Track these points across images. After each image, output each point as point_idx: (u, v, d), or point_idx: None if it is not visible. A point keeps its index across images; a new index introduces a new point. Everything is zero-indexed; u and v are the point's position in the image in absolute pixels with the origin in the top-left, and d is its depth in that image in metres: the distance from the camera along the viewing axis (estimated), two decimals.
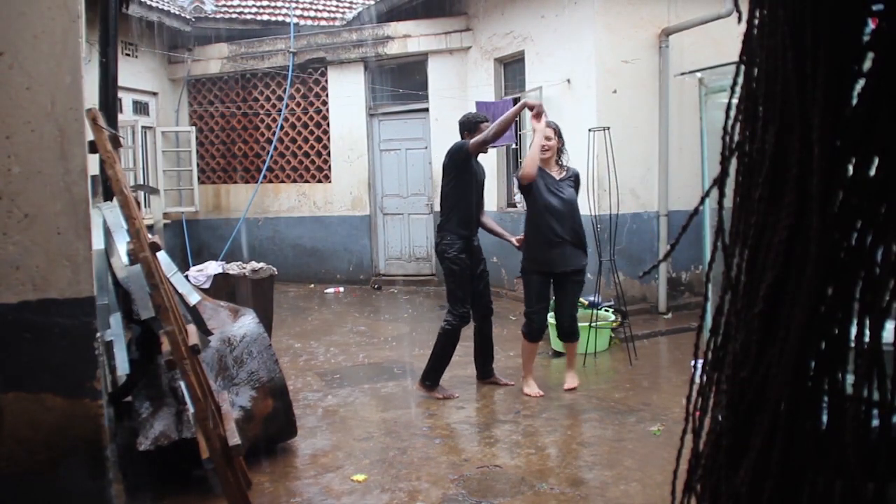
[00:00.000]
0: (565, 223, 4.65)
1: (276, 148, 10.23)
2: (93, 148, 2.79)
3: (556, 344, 5.93)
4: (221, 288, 5.20)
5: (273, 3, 10.89)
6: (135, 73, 9.40)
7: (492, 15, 8.69)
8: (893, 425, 0.82)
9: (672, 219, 7.32)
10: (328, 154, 10.06)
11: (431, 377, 4.87)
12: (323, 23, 10.51)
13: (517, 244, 4.91)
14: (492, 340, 5.13)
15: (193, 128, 10.36)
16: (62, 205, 2.50)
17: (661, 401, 4.68)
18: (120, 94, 7.51)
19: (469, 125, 4.94)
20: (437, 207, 9.37)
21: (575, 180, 4.82)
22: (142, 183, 9.43)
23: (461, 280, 4.83)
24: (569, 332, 4.95)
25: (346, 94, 9.79)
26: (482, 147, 4.76)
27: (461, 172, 4.83)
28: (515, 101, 8.24)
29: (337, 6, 11.17)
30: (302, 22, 10.41)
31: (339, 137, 9.94)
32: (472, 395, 4.92)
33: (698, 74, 5.96)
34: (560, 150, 4.82)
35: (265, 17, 10.55)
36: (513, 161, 8.77)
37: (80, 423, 2.54)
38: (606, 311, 6.17)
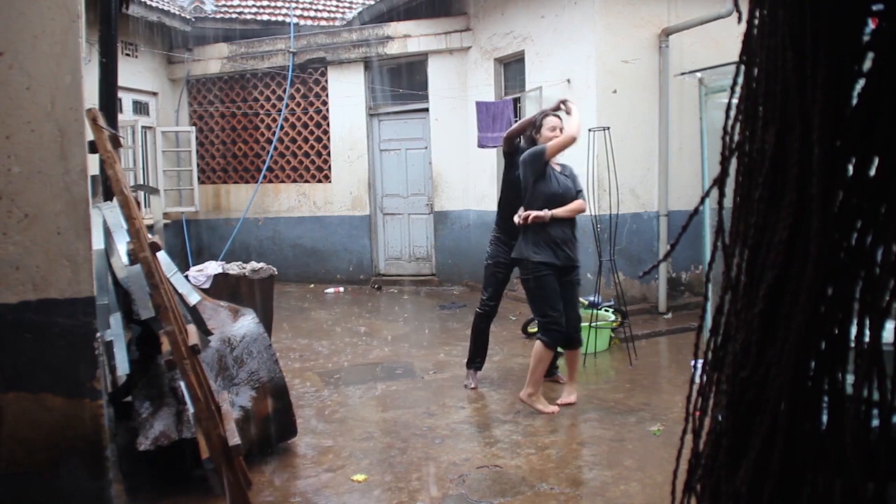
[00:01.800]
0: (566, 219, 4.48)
1: (276, 148, 10.23)
2: (93, 148, 2.79)
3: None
4: (221, 288, 5.20)
5: (273, 3, 10.89)
6: (135, 73, 9.40)
7: (492, 15, 8.69)
8: (893, 425, 0.82)
9: (672, 219, 7.32)
10: (328, 154, 10.06)
11: (468, 363, 5.18)
12: (323, 23, 10.52)
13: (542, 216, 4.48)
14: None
15: (193, 128, 10.36)
16: (62, 205, 2.51)
17: (661, 401, 4.68)
18: (120, 94, 7.51)
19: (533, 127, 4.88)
20: (436, 208, 9.42)
21: (571, 176, 4.62)
22: (142, 183, 9.43)
23: (487, 271, 5.13)
24: (575, 338, 4.63)
25: (346, 94, 9.79)
26: (510, 139, 4.94)
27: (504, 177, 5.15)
28: (516, 101, 8.25)
29: (337, 6, 11.18)
30: (302, 22, 10.41)
31: (339, 137, 9.94)
32: (473, 395, 4.92)
33: (698, 74, 5.97)
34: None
35: (265, 17, 10.55)
36: None
37: (80, 423, 2.54)
38: (606, 311, 6.17)
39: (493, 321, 5.20)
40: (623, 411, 4.48)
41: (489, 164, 8.68)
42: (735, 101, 0.95)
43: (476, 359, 5.16)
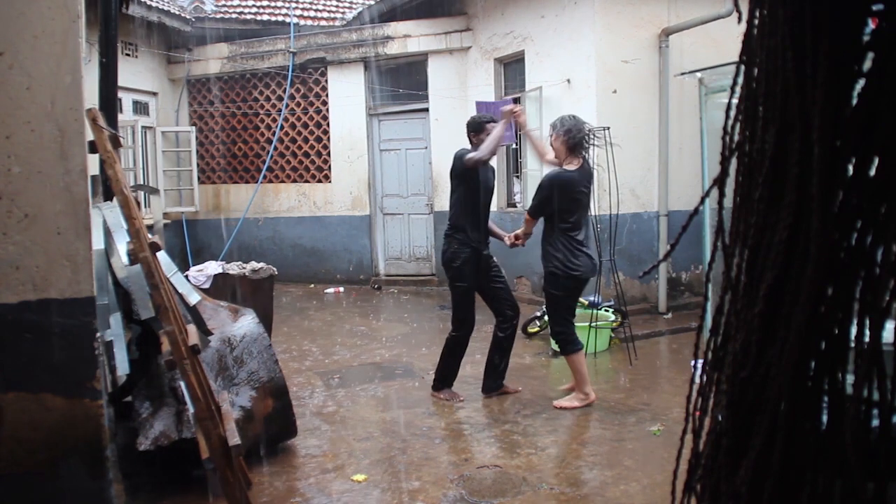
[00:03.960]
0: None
1: (276, 148, 10.23)
2: (93, 148, 2.79)
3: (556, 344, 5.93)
4: (221, 288, 5.20)
5: (273, 3, 10.89)
6: (135, 73, 9.40)
7: (492, 15, 8.69)
8: (893, 425, 0.82)
9: (672, 219, 7.33)
10: (328, 154, 10.06)
11: (439, 382, 4.91)
12: (323, 23, 10.51)
13: (509, 242, 4.79)
14: (507, 350, 4.89)
15: (193, 128, 10.36)
16: (62, 205, 2.50)
17: (661, 401, 4.68)
18: (120, 94, 7.51)
19: (474, 126, 4.78)
20: (436, 208, 9.41)
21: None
22: (142, 183, 9.43)
23: (464, 293, 4.73)
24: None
25: (346, 94, 9.79)
26: (478, 165, 4.64)
27: (466, 181, 4.70)
28: (516, 101, 8.24)
29: (337, 6, 11.17)
30: (302, 22, 10.41)
31: (339, 137, 9.94)
32: (473, 394, 4.91)
33: (698, 74, 5.97)
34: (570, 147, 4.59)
35: (265, 17, 10.55)
36: (513, 160, 8.77)
37: (80, 423, 2.54)
38: (606, 311, 6.17)
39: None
40: (623, 411, 4.48)
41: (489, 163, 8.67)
42: (735, 101, 0.95)
43: (450, 378, 4.88)
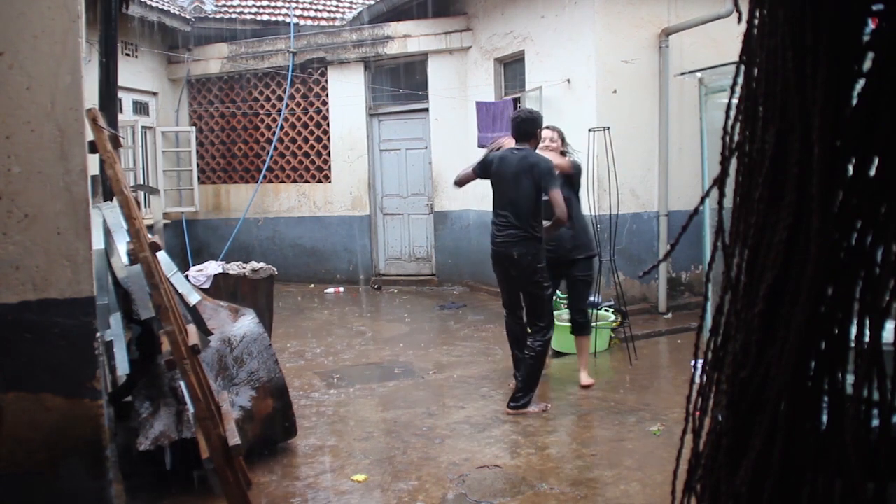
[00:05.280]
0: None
1: (276, 148, 10.23)
2: (93, 148, 2.79)
3: (556, 343, 5.93)
4: (221, 288, 5.20)
5: (273, 3, 10.88)
6: (135, 73, 9.40)
7: (492, 15, 8.69)
8: (893, 425, 0.83)
9: (672, 219, 7.32)
10: (328, 154, 10.06)
11: (527, 398, 4.55)
12: (323, 23, 10.51)
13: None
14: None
15: (193, 128, 10.36)
16: (62, 205, 2.50)
17: (661, 401, 4.68)
18: (120, 94, 7.50)
19: (540, 123, 4.69)
20: (436, 208, 9.40)
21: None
22: (142, 183, 9.43)
23: (550, 294, 4.69)
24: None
25: (346, 94, 9.79)
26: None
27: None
28: (516, 100, 8.24)
29: (337, 6, 11.17)
30: (302, 22, 10.40)
31: (339, 137, 9.94)
32: (473, 395, 4.91)
33: (698, 74, 5.97)
34: (563, 152, 5.05)
35: (265, 17, 10.55)
36: None
37: (80, 423, 2.54)
38: (606, 311, 6.17)
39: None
40: (623, 411, 4.48)
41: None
42: (735, 101, 0.95)
43: (534, 392, 4.61)
